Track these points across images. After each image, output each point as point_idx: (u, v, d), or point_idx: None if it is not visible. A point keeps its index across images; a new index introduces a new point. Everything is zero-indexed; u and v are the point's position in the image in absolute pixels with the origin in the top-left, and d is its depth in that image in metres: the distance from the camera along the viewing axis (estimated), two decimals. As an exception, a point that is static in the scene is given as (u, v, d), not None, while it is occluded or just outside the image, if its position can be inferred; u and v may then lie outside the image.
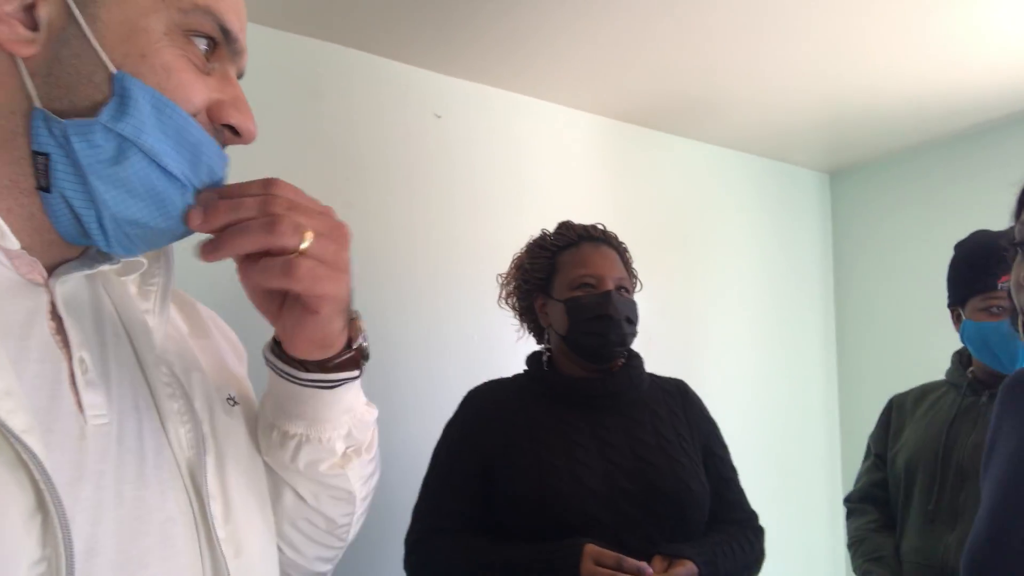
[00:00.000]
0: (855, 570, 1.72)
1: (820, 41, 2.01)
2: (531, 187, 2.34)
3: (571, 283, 1.45)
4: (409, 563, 1.39)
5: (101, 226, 0.55)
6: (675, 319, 2.63)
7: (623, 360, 1.49)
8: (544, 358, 1.51)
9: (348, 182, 2.04)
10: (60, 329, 0.56)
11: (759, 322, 2.87)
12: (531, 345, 1.59)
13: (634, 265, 1.56)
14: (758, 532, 1.46)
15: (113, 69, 0.53)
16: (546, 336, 1.52)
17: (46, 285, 0.57)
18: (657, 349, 2.53)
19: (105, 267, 0.62)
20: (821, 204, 3.15)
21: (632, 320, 1.44)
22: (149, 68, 0.54)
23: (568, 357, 1.48)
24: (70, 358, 0.55)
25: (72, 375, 0.55)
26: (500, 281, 1.62)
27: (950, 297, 1.66)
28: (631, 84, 2.26)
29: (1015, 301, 0.94)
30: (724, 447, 1.52)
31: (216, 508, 0.61)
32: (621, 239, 1.57)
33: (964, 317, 1.60)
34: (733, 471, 1.50)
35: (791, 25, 1.92)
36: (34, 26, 0.53)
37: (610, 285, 1.43)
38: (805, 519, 2.82)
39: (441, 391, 2.05)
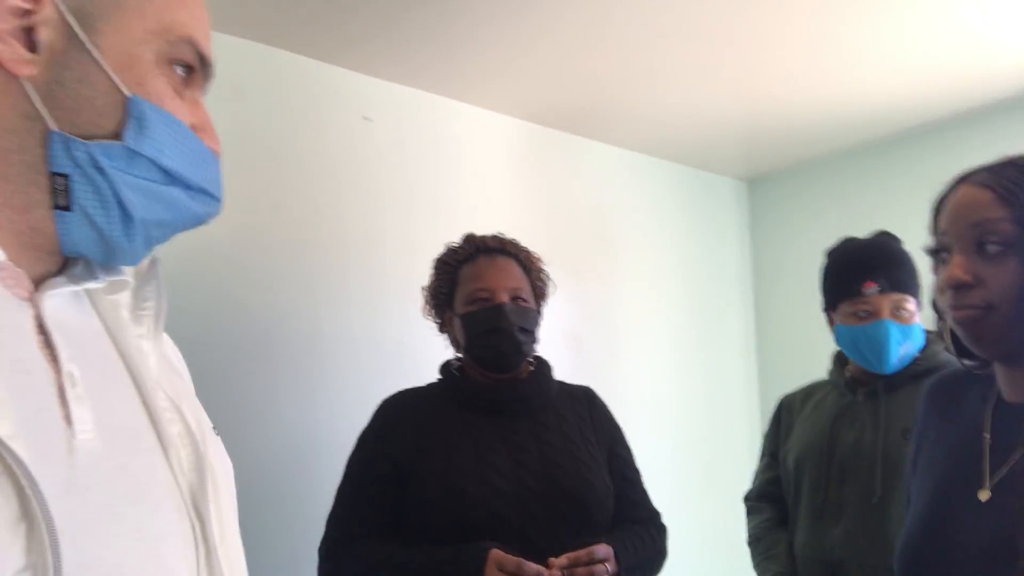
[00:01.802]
0: (755, 568, 1.78)
1: (738, 52, 2.08)
2: (458, 190, 2.36)
3: (467, 298, 1.50)
4: (323, 571, 1.41)
5: (128, 233, 0.59)
6: (602, 323, 2.68)
7: (532, 367, 1.54)
8: (455, 366, 1.55)
9: (275, 184, 2.01)
10: (47, 344, 0.56)
11: (682, 326, 2.95)
12: (445, 346, 1.61)
13: (556, 269, 1.60)
14: (661, 530, 1.52)
15: (128, 93, 0.57)
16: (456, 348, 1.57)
17: (31, 300, 0.58)
18: (585, 352, 2.57)
19: (90, 285, 0.64)
20: (739, 211, 3.26)
21: (527, 329, 1.49)
22: (145, 93, 0.59)
23: (474, 368, 1.52)
24: (58, 372, 0.55)
25: (60, 389, 0.54)
26: (423, 294, 1.65)
27: (824, 302, 1.73)
28: (553, 88, 2.30)
29: (937, 304, 0.99)
30: (628, 449, 1.57)
31: (216, 530, 0.62)
32: (545, 244, 1.60)
33: (836, 321, 1.68)
34: (636, 472, 1.56)
35: (710, 35, 1.99)
36: (32, 48, 0.55)
37: (503, 297, 1.47)
38: (728, 515, 2.89)
39: (368, 396, 2.02)
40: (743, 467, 3.07)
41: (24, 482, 0.46)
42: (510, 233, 1.63)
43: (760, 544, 1.79)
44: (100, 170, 0.56)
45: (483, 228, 2.35)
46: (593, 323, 2.64)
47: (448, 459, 1.39)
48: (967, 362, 1.05)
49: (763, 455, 1.92)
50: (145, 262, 0.67)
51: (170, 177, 0.60)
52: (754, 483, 1.92)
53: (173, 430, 0.63)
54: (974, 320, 0.90)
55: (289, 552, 1.83)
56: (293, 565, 1.82)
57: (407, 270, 2.20)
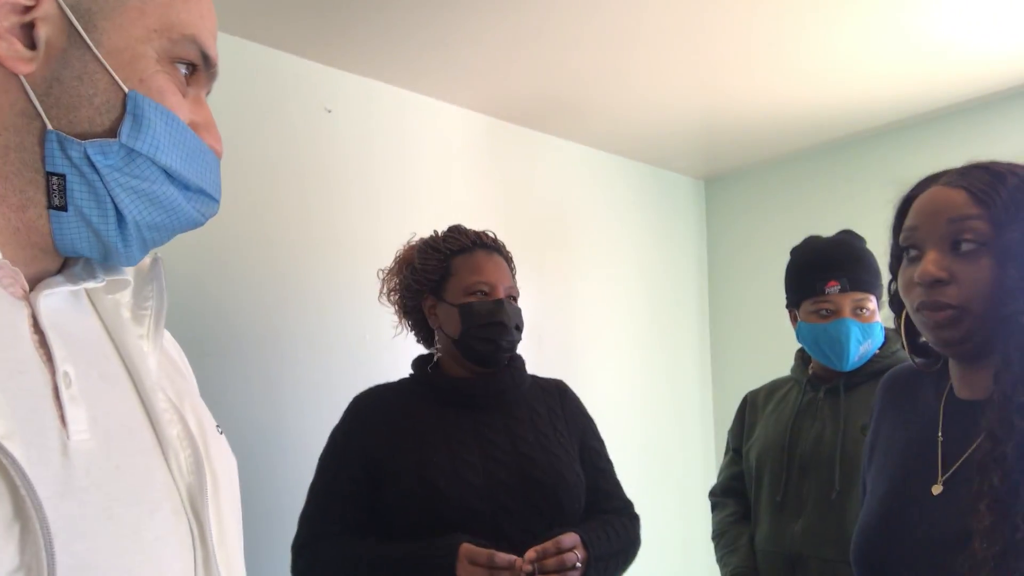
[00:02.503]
0: (718, 561, 1.82)
1: (698, 52, 2.11)
2: (419, 184, 2.35)
3: (466, 289, 1.48)
4: (295, 568, 1.40)
5: (123, 235, 0.58)
6: (560, 318, 2.70)
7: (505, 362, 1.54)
8: (434, 360, 1.54)
9: (234, 176, 1.98)
10: (43, 343, 0.56)
11: (639, 322, 2.99)
12: (410, 341, 1.59)
13: (515, 263, 1.60)
14: (634, 519, 1.53)
15: (126, 89, 0.56)
16: (436, 337, 1.55)
17: (27, 299, 0.57)
18: (545, 348, 2.59)
19: (89, 284, 0.63)
20: (696, 209, 3.31)
21: (520, 327, 1.50)
22: (147, 91, 0.58)
23: (455, 360, 1.51)
24: (53, 372, 0.54)
25: (56, 389, 0.54)
26: (381, 276, 1.62)
27: (787, 299, 1.76)
28: (515, 84, 2.31)
29: (904, 301, 1.00)
30: (600, 441, 1.59)
31: (215, 532, 0.62)
32: (506, 239, 1.61)
33: (799, 319, 1.71)
34: (609, 463, 1.58)
35: (671, 35, 2.01)
36: (32, 45, 0.54)
37: (501, 293, 1.48)
38: (683, 507, 2.95)
39: (327, 390, 2.03)
40: (697, 461, 3.14)
41: (19, 482, 0.46)
42: (470, 227, 1.62)
43: (723, 539, 1.81)
44: (95, 170, 0.56)
45: (444, 221, 2.35)
46: (552, 318, 2.66)
47: (421, 454, 1.38)
48: (919, 360, 1.09)
49: (727, 450, 1.95)
50: (146, 261, 0.67)
51: (168, 176, 0.59)
52: (719, 478, 1.95)
53: (172, 432, 0.62)
54: (949, 320, 0.92)
55: (253, 552, 1.80)
56: (256, 565, 1.80)
57: (369, 264, 2.18)
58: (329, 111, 2.16)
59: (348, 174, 2.19)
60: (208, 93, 0.67)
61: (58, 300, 0.60)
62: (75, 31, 0.55)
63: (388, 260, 1.58)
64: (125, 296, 0.67)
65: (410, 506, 1.35)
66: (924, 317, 0.95)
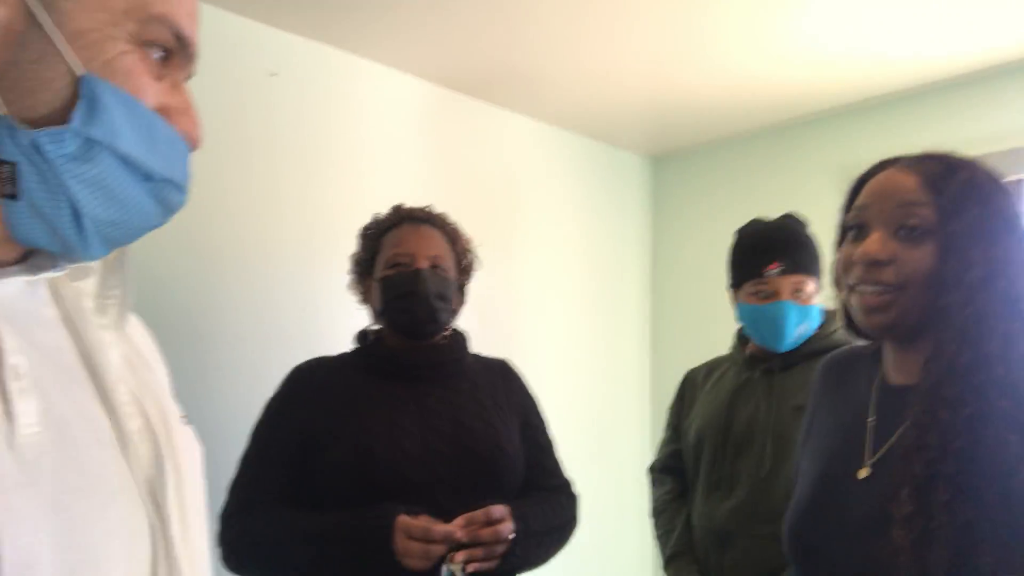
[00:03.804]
0: (656, 539, 1.86)
1: (647, 28, 2.10)
2: (364, 152, 2.31)
3: (387, 262, 1.49)
4: (223, 539, 1.37)
5: (80, 230, 0.55)
6: (504, 293, 2.70)
7: (447, 335, 1.54)
8: (371, 336, 1.54)
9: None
10: None
11: (582, 297, 3.01)
12: (357, 314, 1.59)
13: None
14: (572, 498, 1.55)
15: (81, 71, 0.53)
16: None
17: None
18: (487, 322, 2.59)
19: (48, 275, 0.60)
20: (642, 186, 3.33)
21: (444, 297, 1.48)
22: (112, 72, 0.55)
23: (390, 334, 1.51)
24: (2, 365, 0.53)
25: (3, 382, 0.52)
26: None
27: (730, 280, 1.80)
28: (464, 52, 2.27)
29: (842, 279, 1.02)
30: (541, 419, 1.60)
31: (176, 526, 0.61)
32: (451, 211, 1.61)
33: (739, 300, 1.74)
34: (549, 441, 1.59)
35: (623, 11, 2.00)
36: None
37: (423, 263, 1.47)
38: (619, 483, 3.00)
39: (268, 362, 1.98)
40: (634, 437, 3.19)
41: None
42: (413, 197, 1.62)
43: (661, 518, 1.85)
44: (45, 160, 0.52)
45: (390, 190, 2.32)
46: (496, 292, 2.65)
47: (358, 422, 1.38)
48: (857, 340, 1.11)
49: (667, 427, 1.98)
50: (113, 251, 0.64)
51: (128, 165, 0.56)
52: (658, 455, 1.98)
53: (132, 425, 0.61)
54: (881, 305, 0.94)
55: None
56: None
57: (315, 233, 2.15)
58: (274, 75, 2.10)
59: (293, 141, 2.13)
60: (189, 77, 0.64)
61: (12, 290, 0.58)
62: (40, 12, 0.52)
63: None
64: (89, 285, 0.65)
65: (345, 473, 1.34)
66: (857, 298, 0.97)
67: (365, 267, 1.56)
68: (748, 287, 1.70)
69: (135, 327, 0.72)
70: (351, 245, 1.60)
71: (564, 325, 2.92)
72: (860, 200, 1.00)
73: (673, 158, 3.29)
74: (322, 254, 2.14)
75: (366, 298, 1.58)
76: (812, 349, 1.67)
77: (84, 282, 0.65)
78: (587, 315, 3.03)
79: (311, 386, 1.46)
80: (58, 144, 0.52)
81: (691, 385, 1.93)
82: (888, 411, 1.00)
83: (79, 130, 0.53)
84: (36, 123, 0.53)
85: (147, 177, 0.58)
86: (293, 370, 1.51)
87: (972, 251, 0.90)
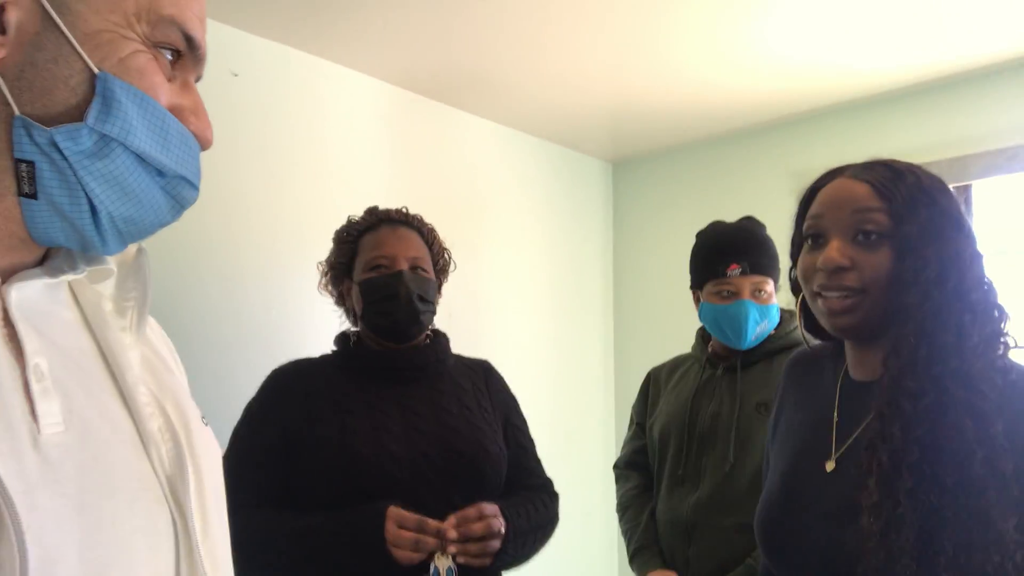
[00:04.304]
0: (623, 534, 1.89)
1: (610, 35, 2.14)
2: (327, 153, 2.30)
3: (366, 264, 1.49)
4: None
5: (97, 226, 0.56)
6: (469, 294, 2.71)
7: (428, 337, 1.55)
8: (352, 338, 1.53)
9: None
10: (13, 336, 0.55)
11: (545, 299, 3.04)
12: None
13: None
14: (553, 497, 1.57)
15: (96, 70, 0.54)
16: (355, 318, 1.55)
17: None
18: (452, 323, 2.60)
19: (68, 277, 0.61)
20: (604, 191, 3.38)
21: (426, 298, 1.49)
22: (125, 71, 0.56)
23: (371, 338, 1.51)
24: (25, 366, 0.54)
25: (26, 382, 0.53)
26: (320, 269, 1.62)
27: (692, 281, 1.84)
28: (427, 55, 2.28)
29: (803, 286, 1.06)
30: (523, 419, 1.62)
31: (198, 525, 0.61)
32: (412, 212, 1.61)
33: (701, 299, 1.78)
34: (530, 441, 1.61)
35: (584, 15, 2.02)
36: (2, 30, 0.53)
37: (403, 265, 1.47)
38: (584, 481, 3.04)
39: (227, 365, 1.97)
40: (599, 437, 3.23)
41: None
42: (377, 199, 1.62)
43: (627, 513, 1.88)
44: (63, 157, 0.53)
45: (352, 193, 2.31)
46: (460, 293, 2.66)
47: (342, 424, 1.37)
48: (814, 340, 1.15)
49: (631, 424, 2.01)
50: (131, 251, 0.65)
51: (142, 161, 0.57)
52: (622, 451, 2.02)
53: (153, 425, 0.62)
54: (847, 308, 0.98)
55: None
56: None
57: (275, 235, 2.13)
58: (235, 75, 2.08)
59: (256, 142, 2.12)
60: (199, 79, 0.65)
61: (33, 292, 0.58)
62: (48, 15, 0.53)
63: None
64: (108, 287, 0.66)
65: (329, 475, 1.33)
66: (822, 303, 1.01)
67: (342, 270, 1.54)
68: (710, 287, 1.74)
69: (153, 329, 0.73)
70: (315, 246, 1.60)
71: (528, 325, 2.95)
72: (814, 209, 1.04)
73: (633, 163, 3.34)
74: (286, 256, 2.13)
75: (342, 300, 1.58)
76: (771, 348, 1.73)
77: (102, 285, 0.66)
78: (551, 315, 3.06)
79: (291, 388, 1.45)
80: (74, 140, 0.53)
81: (655, 383, 1.96)
82: (852, 406, 1.04)
83: (94, 127, 0.54)
84: (52, 121, 0.53)
85: (160, 173, 0.59)
86: (272, 373, 1.49)
87: (926, 251, 0.94)
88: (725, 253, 1.73)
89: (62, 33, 0.54)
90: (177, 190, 0.61)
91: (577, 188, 3.24)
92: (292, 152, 2.21)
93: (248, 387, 1.50)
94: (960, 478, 0.87)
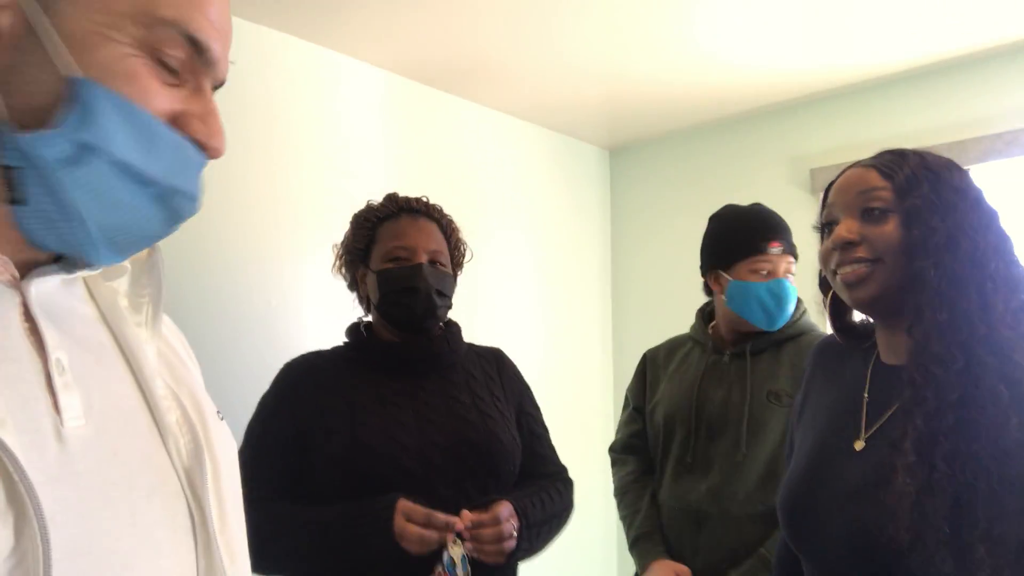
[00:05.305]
0: (621, 519, 1.86)
1: (607, 22, 2.13)
2: (326, 142, 2.29)
3: (385, 255, 1.47)
4: None
5: (87, 235, 0.54)
6: (468, 280, 2.70)
7: (441, 328, 1.54)
8: (362, 328, 1.53)
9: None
10: (34, 331, 0.55)
11: (544, 285, 3.05)
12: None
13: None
14: (567, 484, 1.56)
15: (70, 74, 0.51)
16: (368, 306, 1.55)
17: (17, 286, 0.55)
18: (453, 309, 2.61)
19: (84, 273, 0.61)
20: (601, 177, 3.38)
21: (443, 293, 1.48)
22: (111, 76, 0.53)
23: (384, 327, 1.50)
24: (46, 360, 0.54)
25: (48, 376, 0.53)
26: (335, 251, 1.61)
27: (710, 261, 1.78)
28: (426, 44, 2.27)
29: (825, 273, 1.10)
30: (536, 407, 1.61)
31: (215, 517, 0.61)
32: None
33: (730, 279, 1.70)
34: (544, 429, 1.60)
35: (580, 2, 2.02)
36: None
37: (422, 257, 1.46)
38: (584, 467, 3.04)
39: (228, 356, 1.97)
40: (598, 423, 3.25)
41: (11, 469, 0.46)
42: (376, 186, 1.60)
43: (626, 498, 1.85)
44: (43, 163, 0.51)
45: (352, 181, 2.31)
46: (459, 279, 2.68)
47: (353, 416, 1.37)
48: (845, 338, 1.16)
49: (626, 407, 1.98)
50: (144, 250, 0.64)
51: (123, 170, 0.53)
52: (618, 435, 1.98)
53: (171, 418, 0.62)
54: (861, 278, 1.01)
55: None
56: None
57: (276, 224, 2.13)
58: (233, 63, 2.07)
59: (256, 130, 2.11)
60: (218, 83, 0.61)
61: (51, 287, 0.58)
62: (35, 16, 0.51)
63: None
64: (122, 284, 0.65)
65: (342, 467, 1.33)
66: (840, 278, 1.04)
67: (358, 255, 1.52)
68: (746, 264, 1.69)
69: (167, 325, 0.73)
70: (317, 234, 1.58)
71: (526, 312, 2.95)
72: (828, 200, 1.09)
73: (629, 150, 3.34)
74: (287, 244, 2.13)
75: (355, 285, 1.57)
76: (781, 337, 1.71)
77: (117, 281, 0.65)
78: (549, 302, 3.07)
79: (304, 381, 1.44)
80: (49, 148, 0.51)
81: (652, 365, 1.92)
82: (883, 388, 1.05)
83: (70, 134, 0.51)
84: (34, 127, 0.51)
85: (146, 183, 0.55)
86: (285, 367, 1.49)
87: (931, 219, 0.97)
88: (766, 230, 1.69)
89: (46, 34, 0.52)
90: (170, 201, 0.58)
91: (574, 175, 3.24)
92: (294, 140, 2.20)
93: (249, 379, 1.50)
94: (995, 445, 0.87)
